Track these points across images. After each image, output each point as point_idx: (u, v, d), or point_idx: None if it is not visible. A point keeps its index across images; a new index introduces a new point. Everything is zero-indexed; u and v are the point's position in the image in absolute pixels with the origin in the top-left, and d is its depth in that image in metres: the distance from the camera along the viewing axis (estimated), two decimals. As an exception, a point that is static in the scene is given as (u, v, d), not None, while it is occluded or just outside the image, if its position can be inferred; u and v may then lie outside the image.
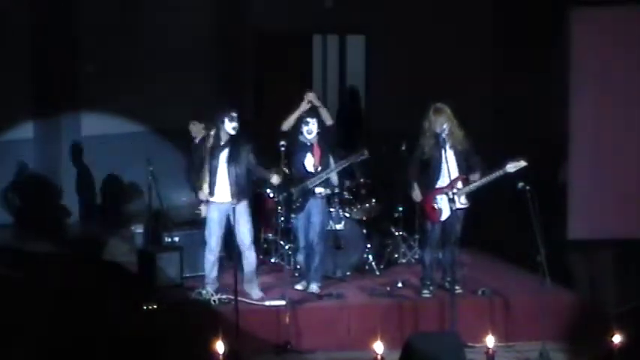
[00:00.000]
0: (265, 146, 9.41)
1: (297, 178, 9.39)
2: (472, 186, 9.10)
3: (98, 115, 12.01)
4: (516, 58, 11.32)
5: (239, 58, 12.76)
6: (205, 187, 9.12)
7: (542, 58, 10.57)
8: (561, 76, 9.46)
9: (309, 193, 9.35)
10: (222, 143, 9.05)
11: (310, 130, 9.32)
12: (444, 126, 9.07)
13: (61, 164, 12.08)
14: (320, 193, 9.38)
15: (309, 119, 9.33)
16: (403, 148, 10.13)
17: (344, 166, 9.63)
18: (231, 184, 9.02)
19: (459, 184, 9.13)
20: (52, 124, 12.07)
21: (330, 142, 9.58)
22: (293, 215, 9.43)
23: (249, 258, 9.26)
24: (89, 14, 11.87)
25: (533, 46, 10.85)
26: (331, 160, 9.64)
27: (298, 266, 9.82)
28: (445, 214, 9.16)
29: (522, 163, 8.93)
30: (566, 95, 9.34)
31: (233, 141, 9.05)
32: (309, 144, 9.38)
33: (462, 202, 9.11)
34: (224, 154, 9.06)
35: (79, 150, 12.13)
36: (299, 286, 9.56)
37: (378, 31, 12.74)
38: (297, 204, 9.36)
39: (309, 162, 9.41)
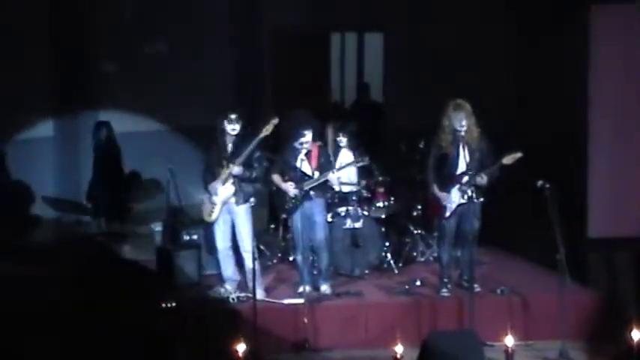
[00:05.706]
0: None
1: (294, 181, 9.21)
2: (473, 181, 8.96)
3: (118, 113, 12.04)
4: (538, 54, 11.25)
5: (257, 57, 12.76)
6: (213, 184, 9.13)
7: (563, 55, 10.50)
8: (580, 75, 9.40)
9: (305, 196, 9.20)
10: (226, 145, 9.05)
11: (307, 140, 9.14)
12: (463, 122, 8.98)
13: (80, 162, 12.11)
14: (315, 193, 9.19)
15: (305, 132, 9.10)
16: (421, 145, 10.10)
17: (342, 169, 9.50)
18: (233, 185, 9.03)
19: (464, 180, 9.08)
20: (72, 122, 12.11)
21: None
22: (284, 216, 9.20)
23: (247, 260, 9.03)
24: (110, 13, 11.92)
25: (554, 42, 10.78)
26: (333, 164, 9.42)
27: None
28: (450, 210, 9.14)
29: (518, 155, 8.87)
30: (585, 92, 9.28)
31: (236, 143, 9.04)
32: (305, 150, 9.23)
33: (464, 198, 9.03)
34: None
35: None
36: (300, 289, 9.30)
37: (396, 29, 12.71)
38: (290, 205, 9.21)
39: (306, 166, 9.26)
